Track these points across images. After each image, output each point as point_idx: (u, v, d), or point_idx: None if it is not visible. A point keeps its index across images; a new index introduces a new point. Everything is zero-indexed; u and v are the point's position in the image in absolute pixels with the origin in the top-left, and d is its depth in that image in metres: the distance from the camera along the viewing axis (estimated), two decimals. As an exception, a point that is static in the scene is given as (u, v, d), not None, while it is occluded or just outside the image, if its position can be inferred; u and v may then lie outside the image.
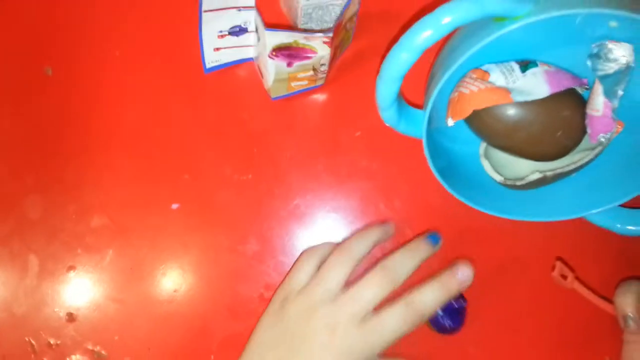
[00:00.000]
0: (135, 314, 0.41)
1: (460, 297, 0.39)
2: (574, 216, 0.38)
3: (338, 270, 0.37)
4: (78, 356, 0.41)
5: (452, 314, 0.39)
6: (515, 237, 0.42)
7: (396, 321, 0.34)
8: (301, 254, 0.40)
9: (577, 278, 0.40)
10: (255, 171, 0.42)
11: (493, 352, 0.41)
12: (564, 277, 0.40)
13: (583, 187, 0.39)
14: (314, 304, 0.36)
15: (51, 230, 0.41)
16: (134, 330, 0.41)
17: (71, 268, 0.41)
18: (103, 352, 0.41)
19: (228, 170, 0.42)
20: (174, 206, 0.42)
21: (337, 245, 0.39)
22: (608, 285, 0.40)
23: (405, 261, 0.37)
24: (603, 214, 0.38)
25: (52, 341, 0.41)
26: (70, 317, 0.41)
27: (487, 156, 0.39)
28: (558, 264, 0.41)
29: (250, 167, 0.42)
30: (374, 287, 0.35)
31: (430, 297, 0.35)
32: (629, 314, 0.37)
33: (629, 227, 0.39)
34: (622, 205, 0.38)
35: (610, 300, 0.39)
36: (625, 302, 0.38)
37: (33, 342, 0.41)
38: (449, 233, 0.41)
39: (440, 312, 0.38)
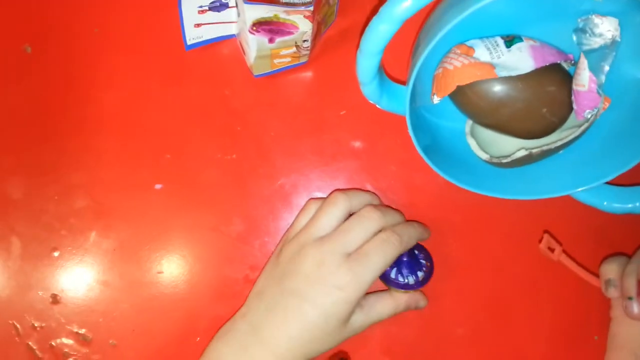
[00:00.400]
0: (119, 296, 0.41)
1: (415, 248, 0.39)
2: (560, 194, 0.37)
3: (331, 214, 0.37)
4: (63, 339, 0.40)
5: (407, 267, 0.38)
6: (501, 213, 0.42)
7: (379, 249, 0.35)
8: (304, 205, 0.40)
9: (564, 251, 0.40)
10: (239, 150, 0.41)
11: (481, 331, 0.41)
12: (551, 249, 0.40)
13: (569, 164, 0.38)
14: (304, 244, 0.36)
15: (33, 211, 0.41)
16: (119, 312, 0.41)
17: (54, 250, 0.41)
18: (88, 334, 0.40)
19: (211, 149, 0.41)
20: (157, 186, 0.41)
21: None
22: (592, 262, 0.40)
23: (397, 214, 0.38)
24: (589, 191, 0.38)
25: (36, 324, 0.40)
26: (55, 300, 0.41)
27: (473, 134, 0.39)
28: (545, 236, 0.40)
29: (234, 146, 0.41)
30: (361, 225, 0.36)
31: (405, 226, 0.37)
32: (611, 278, 0.38)
33: (616, 205, 0.38)
34: (608, 183, 0.37)
35: (596, 274, 0.39)
36: (609, 268, 0.38)
37: (17, 325, 0.40)
38: (436, 210, 0.41)
39: (394, 270, 0.38)
